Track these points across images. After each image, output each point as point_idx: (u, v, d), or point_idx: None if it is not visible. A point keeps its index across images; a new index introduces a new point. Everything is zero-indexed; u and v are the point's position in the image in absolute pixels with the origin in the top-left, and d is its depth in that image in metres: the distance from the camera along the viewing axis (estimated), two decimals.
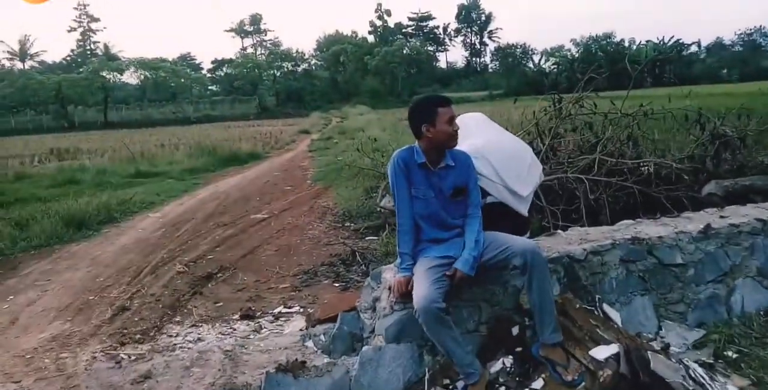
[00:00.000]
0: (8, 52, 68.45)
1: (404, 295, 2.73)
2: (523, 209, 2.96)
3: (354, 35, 74.36)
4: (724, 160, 5.66)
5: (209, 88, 74.45)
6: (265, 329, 3.74)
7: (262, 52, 74.47)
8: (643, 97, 8.68)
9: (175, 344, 3.54)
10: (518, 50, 78.65)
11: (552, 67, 68.86)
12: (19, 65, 68.16)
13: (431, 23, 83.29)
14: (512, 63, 75.84)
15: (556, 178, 4.75)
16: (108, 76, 61.14)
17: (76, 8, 74.51)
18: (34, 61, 71.21)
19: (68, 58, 75.81)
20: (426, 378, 2.74)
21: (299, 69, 69.77)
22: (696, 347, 3.05)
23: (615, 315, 3.06)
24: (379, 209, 6.90)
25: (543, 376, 2.66)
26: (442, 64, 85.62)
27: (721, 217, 3.72)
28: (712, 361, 2.87)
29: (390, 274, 2.99)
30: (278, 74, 68.02)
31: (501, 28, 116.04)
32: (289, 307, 4.29)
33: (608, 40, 70.28)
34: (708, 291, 3.36)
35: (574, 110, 5.42)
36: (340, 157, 14.14)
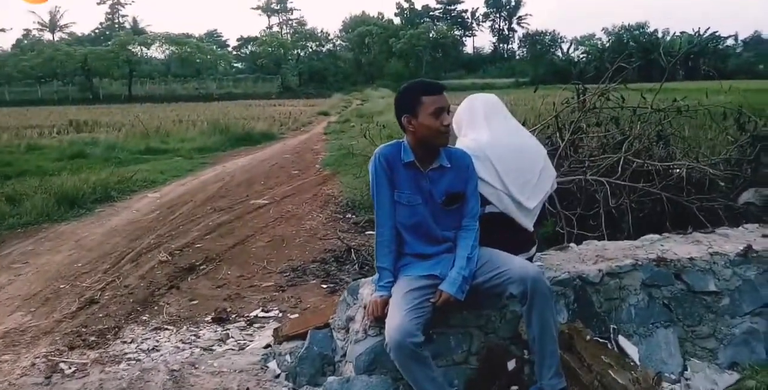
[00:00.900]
0: (38, 23, 69.38)
1: (380, 318, 2.29)
2: (528, 223, 2.47)
3: (380, 17, 73.19)
4: (764, 165, 5.07)
5: (234, 65, 74.13)
6: (231, 338, 3.33)
7: (288, 31, 73.73)
8: (675, 91, 7.97)
9: (125, 354, 3.15)
10: (547, 37, 76.77)
11: (581, 56, 67.07)
12: (48, 36, 68.76)
13: (459, 7, 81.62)
14: (540, 50, 73.98)
15: (573, 179, 4.24)
16: (134, 50, 61.08)
17: None
18: (63, 32, 71.83)
19: (96, 31, 76.00)
20: None
21: (323, 49, 69.00)
22: None
23: (632, 350, 2.59)
24: None
25: None
26: (469, 49, 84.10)
27: (765, 236, 3.19)
28: None
29: (368, 291, 2.55)
30: (302, 54, 67.33)
31: (530, 15, 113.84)
32: (267, 311, 3.89)
33: (641, 29, 68.03)
34: (745, 325, 2.86)
35: (600, 103, 4.86)
36: (353, 141, 13.66)
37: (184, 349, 3.18)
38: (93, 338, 3.39)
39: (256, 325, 3.61)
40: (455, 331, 2.47)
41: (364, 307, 2.47)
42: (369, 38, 66.64)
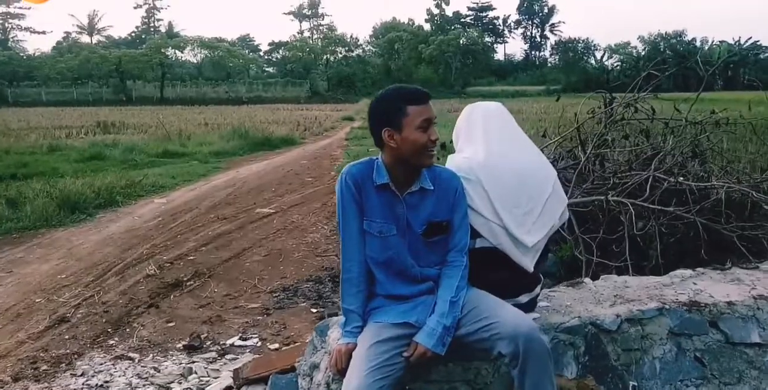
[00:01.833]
0: (77, 25, 70.99)
1: (344, 372, 1.88)
2: (528, 262, 2.02)
3: (410, 23, 72.80)
4: None
5: (265, 69, 74.76)
6: (194, 374, 2.95)
7: (318, 36, 73.94)
8: (713, 102, 7.34)
9: None
10: (580, 45, 75.37)
11: (615, 64, 65.67)
12: (86, 39, 70.38)
13: (491, 14, 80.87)
14: (573, 58, 72.67)
15: (594, 200, 3.77)
16: (168, 53, 62.05)
17: None
18: (101, 35, 73.44)
19: (132, 34, 77.60)
20: None
21: (353, 54, 68.98)
22: None
23: None
24: None
25: None
26: (500, 56, 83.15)
27: None
28: None
29: (336, 334, 2.15)
30: (332, 59, 67.45)
31: (563, 22, 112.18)
32: (245, 339, 3.50)
33: (678, 38, 66.34)
34: None
35: (628, 114, 4.37)
36: (373, 148, 13.30)
37: (135, 388, 2.81)
38: (45, 367, 3.05)
39: (228, 357, 3.22)
40: (437, 387, 2.05)
41: (330, 354, 2.07)
42: (399, 44, 66.34)
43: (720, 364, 2.33)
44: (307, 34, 76.78)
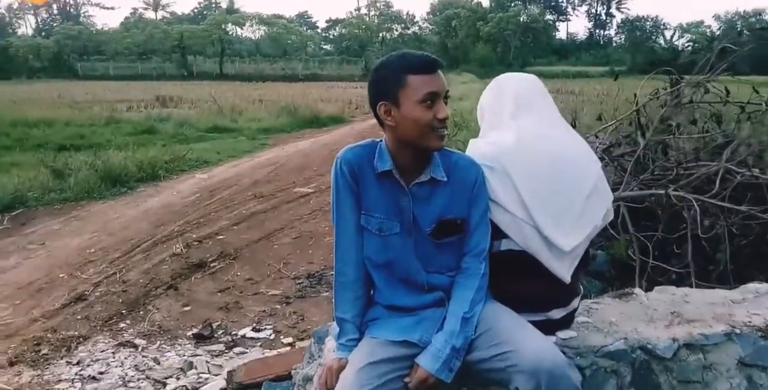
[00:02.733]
0: (143, 1, 72.87)
1: None
2: (564, 271, 1.65)
3: (469, 0, 70.87)
4: None
5: (323, 47, 74.73)
6: (193, 370, 2.75)
7: (375, 13, 73.08)
8: None
9: (60, 380, 2.65)
10: (648, 23, 71.31)
11: (686, 44, 61.85)
12: (151, 15, 72.20)
13: None
14: (640, 38, 68.82)
15: (653, 193, 3.30)
16: (227, 30, 62.90)
17: None
18: (165, 11, 75.15)
19: (195, 10, 79.10)
20: None
21: (409, 32, 67.91)
22: None
23: None
24: None
25: None
26: (562, 35, 79.89)
27: None
28: None
29: (332, 344, 1.86)
30: (387, 37, 66.62)
31: None
32: (258, 330, 3.29)
33: (758, 16, 61.77)
34: None
35: (698, 96, 3.83)
36: None
37: (129, 382, 2.63)
38: (46, 351, 2.93)
39: (236, 350, 3.02)
40: None
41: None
42: (456, 21, 64.70)
43: None
44: (364, 10, 76.12)
